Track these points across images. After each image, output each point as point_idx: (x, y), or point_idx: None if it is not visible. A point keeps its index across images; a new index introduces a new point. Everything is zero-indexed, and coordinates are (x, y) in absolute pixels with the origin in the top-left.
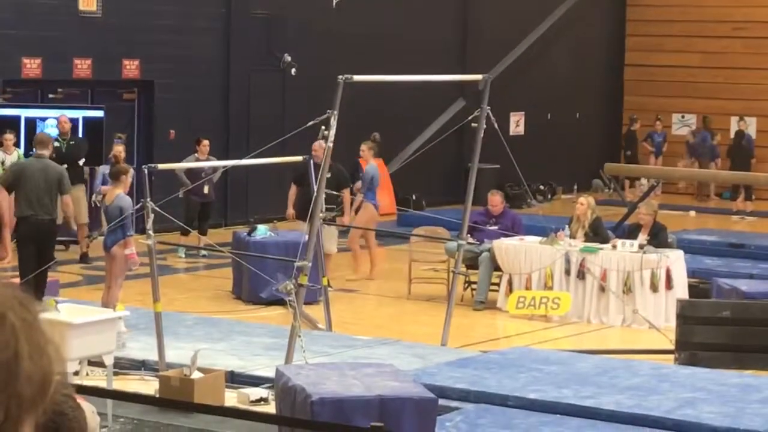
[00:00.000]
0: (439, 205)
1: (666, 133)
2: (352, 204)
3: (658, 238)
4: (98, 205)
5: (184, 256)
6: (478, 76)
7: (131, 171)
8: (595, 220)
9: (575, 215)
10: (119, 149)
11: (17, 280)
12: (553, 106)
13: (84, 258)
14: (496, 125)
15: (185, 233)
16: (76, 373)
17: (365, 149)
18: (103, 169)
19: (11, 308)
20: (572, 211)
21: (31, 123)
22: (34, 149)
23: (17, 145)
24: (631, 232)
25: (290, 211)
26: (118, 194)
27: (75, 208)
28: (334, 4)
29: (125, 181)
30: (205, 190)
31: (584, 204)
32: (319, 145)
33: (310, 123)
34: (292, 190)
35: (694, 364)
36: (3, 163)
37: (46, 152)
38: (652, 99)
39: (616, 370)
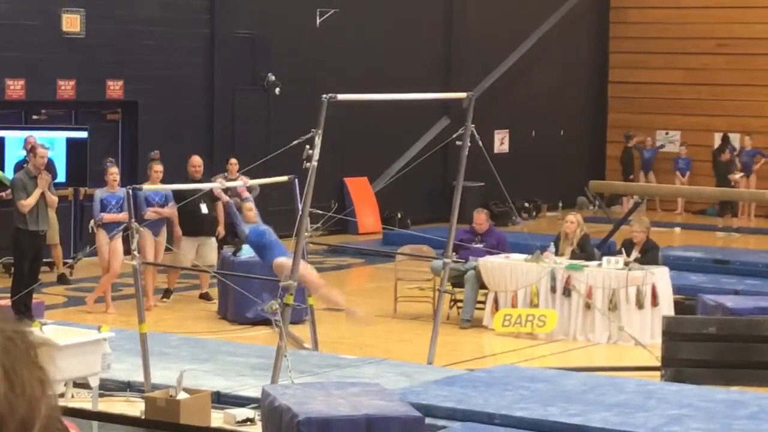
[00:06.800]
0: (424, 223)
1: (655, 149)
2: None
3: (647, 256)
4: (94, 231)
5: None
6: (463, 94)
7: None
8: (584, 237)
9: (564, 232)
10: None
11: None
12: (538, 123)
13: (62, 279)
14: (480, 143)
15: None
16: (62, 395)
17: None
18: (100, 194)
19: None
20: (557, 229)
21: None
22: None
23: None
24: (626, 249)
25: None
26: None
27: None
28: (317, 23)
29: None
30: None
31: (574, 222)
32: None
33: (295, 142)
34: None
35: (680, 381)
36: None
37: None
38: (635, 116)
39: (603, 387)
